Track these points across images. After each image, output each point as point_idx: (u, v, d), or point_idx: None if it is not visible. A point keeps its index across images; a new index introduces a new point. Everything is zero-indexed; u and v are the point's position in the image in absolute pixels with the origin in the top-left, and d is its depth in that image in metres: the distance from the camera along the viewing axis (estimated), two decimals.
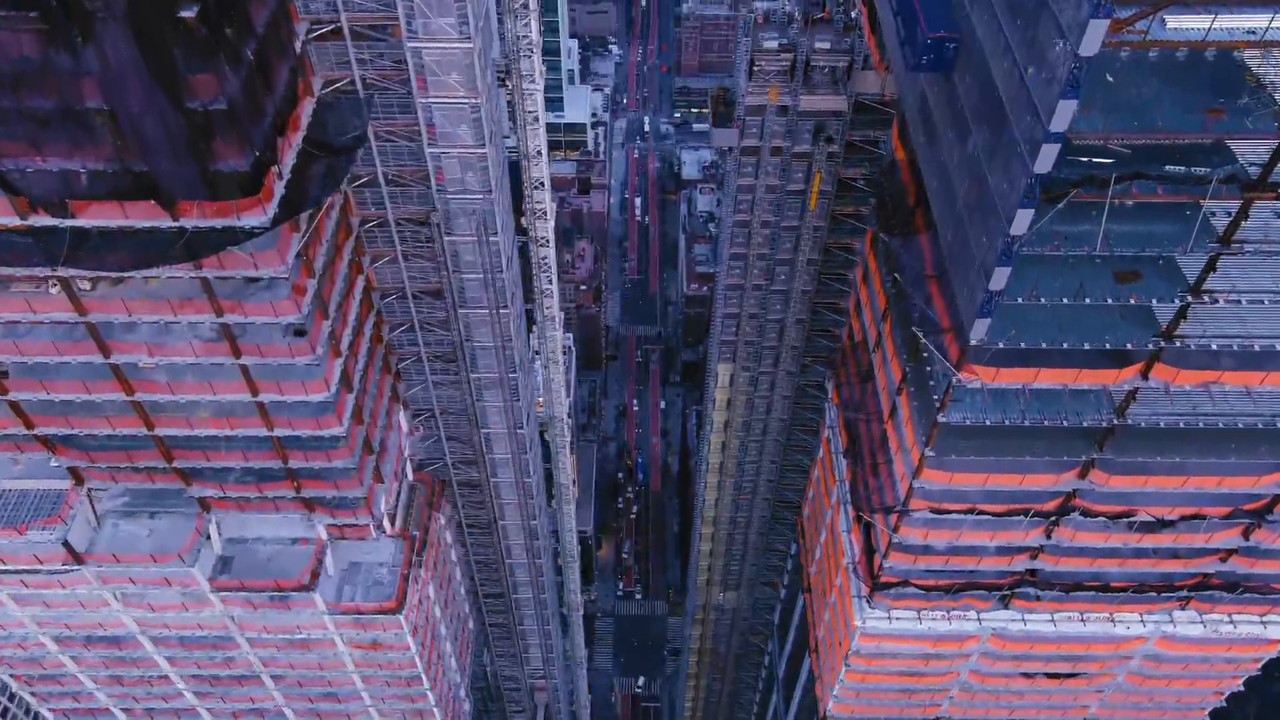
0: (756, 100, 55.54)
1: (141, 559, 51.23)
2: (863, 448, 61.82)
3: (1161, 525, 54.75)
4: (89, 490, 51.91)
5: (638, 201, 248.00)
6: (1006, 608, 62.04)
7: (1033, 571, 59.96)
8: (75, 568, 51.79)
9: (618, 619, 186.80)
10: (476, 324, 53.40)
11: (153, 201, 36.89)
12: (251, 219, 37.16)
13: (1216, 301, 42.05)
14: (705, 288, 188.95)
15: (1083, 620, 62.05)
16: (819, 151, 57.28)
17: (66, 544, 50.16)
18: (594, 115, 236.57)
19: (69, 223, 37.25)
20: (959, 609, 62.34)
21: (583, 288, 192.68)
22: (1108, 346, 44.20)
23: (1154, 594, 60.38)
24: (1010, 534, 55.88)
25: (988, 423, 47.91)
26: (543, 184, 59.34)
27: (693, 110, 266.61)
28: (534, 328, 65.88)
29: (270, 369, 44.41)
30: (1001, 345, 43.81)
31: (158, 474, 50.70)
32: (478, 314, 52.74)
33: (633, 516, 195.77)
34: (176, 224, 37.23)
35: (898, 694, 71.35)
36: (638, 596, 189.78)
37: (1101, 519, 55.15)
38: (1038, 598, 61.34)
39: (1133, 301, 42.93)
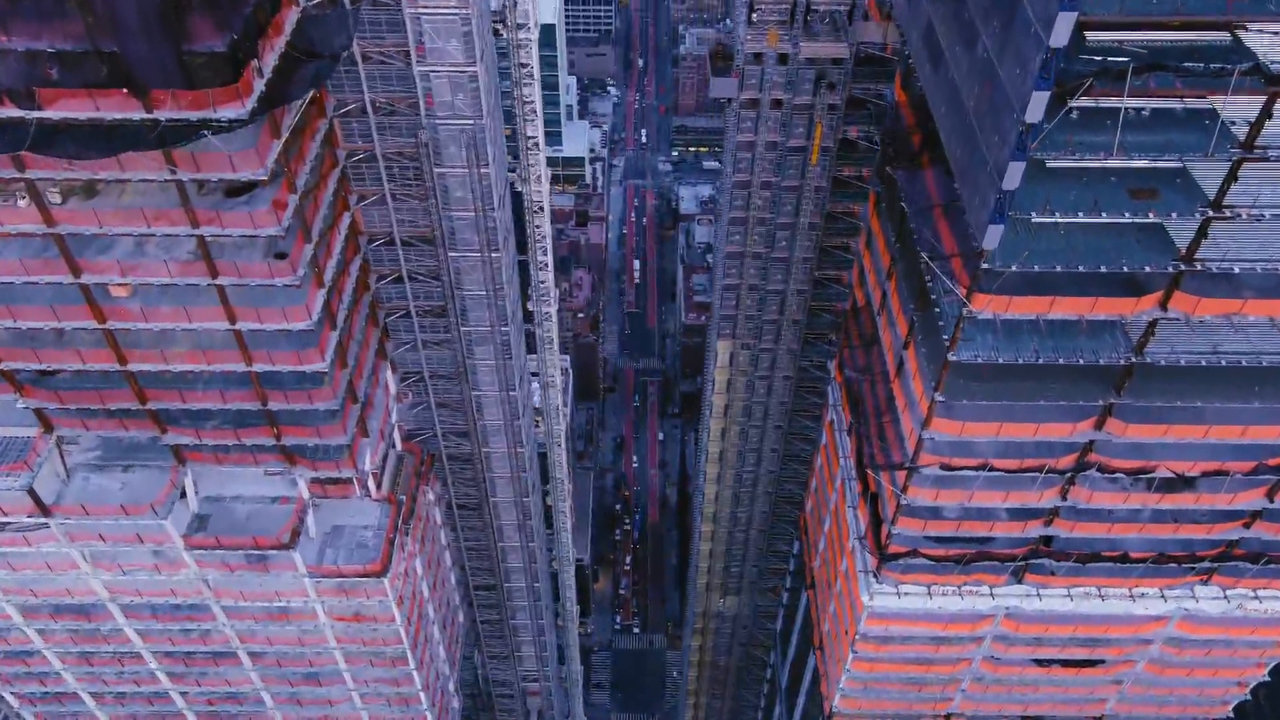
0: (755, 47, 54.30)
1: (112, 511, 48.64)
2: (868, 415, 59.60)
3: (1182, 483, 52.36)
4: (58, 439, 49.50)
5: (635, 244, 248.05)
6: (1020, 582, 59.30)
7: (1048, 541, 57.41)
8: (42, 520, 49.21)
9: (615, 653, 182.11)
10: (467, 270, 51.60)
11: (125, 91, 35.18)
12: (229, 111, 35.42)
13: (1239, 216, 40.28)
14: (703, 317, 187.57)
15: (1101, 596, 59.20)
16: (820, 102, 55.92)
17: (32, 492, 47.62)
18: (592, 151, 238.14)
19: (36, 114, 35.45)
20: (971, 584, 59.56)
21: (580, 315, 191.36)
22: (1125, 269, 42.29)
23: (1174, 565, 57.68)
24: (1024, 494, 53.41)
25: (1000, 360, 45.81)
26: (538, 145, 57.91)
27: (690, 149, 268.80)
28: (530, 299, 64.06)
29: (249, 292, 42.39)
30: (1015, 268, 42.04)
31: (131, 419, 48.28)
32: (469, 258, 50.97)
33: (628, 567, 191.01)
34: (150, 115, 35.45)
35: (907, 685, 68.09)
36: (636, 630, 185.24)
37: (1119, 477, 52.82)
38: (1053, 572, 58.65)
39: (1150, 217, 41.28)
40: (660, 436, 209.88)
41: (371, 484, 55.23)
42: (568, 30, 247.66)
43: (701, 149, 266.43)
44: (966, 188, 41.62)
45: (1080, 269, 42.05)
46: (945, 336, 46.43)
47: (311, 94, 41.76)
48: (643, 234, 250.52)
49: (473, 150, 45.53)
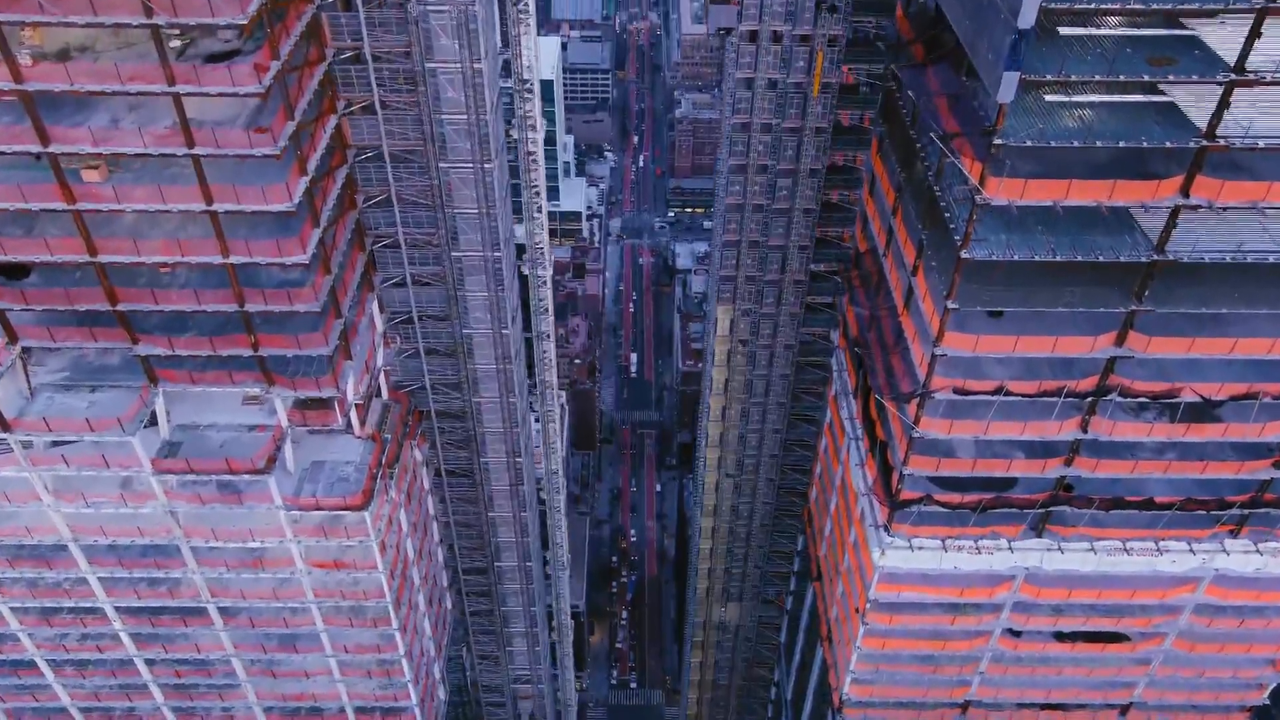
0: None
1: (76, 426, 45.66)
2: (876, 358, 57.11)
3: (1209, 407, 49.73)
4: (23, 352, 46.80)
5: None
6: (1040, 535, 56.05)
7: (1068, 487, 54.45)
8: (1, 438, 46.27)
9: (611, 710, 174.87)
10: (459, 184, 49.66)
11: None
12: None
13: (1263, 79, 38.68)
14: (700, 364, 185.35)
15: (1126, 550, 55.89)
16: (821, 32, 54.88)
17: None
18: (589, 208, 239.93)
19: None
20: (987, 538, 56.29)
21: (577, 361, 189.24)
22: (1144, 144, 40.52)
23: (1202, 514, 54.59)
24: (1042, 425, 50.69)
25: (1015, 258, 43.76)
26: (532, 90, 56.76)
27: (686, 210, 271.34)
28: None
29: (227, 168, 40.42)
30: (1029, 143, 40.32)
31: (100, 327, 45.71)
32: (460, 170, 49.07)
33: (624, 620, 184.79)
34: None
35: (921, 666, 64.04)
36: (633, 685, 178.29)
37: (1143, 404, 50.21)
38: (1074, 522, 55.49)
39: (1170, 82, 39.77)
40: (658, 488, 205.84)
41: (355, 419, 52.39)
42: (566, 98, 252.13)
43: (697, 210, 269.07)
44: (979, 51, 40.18)
45: (1098, 144, 40.36)
46: (957, 236, 44.45)
47: None
48: (640, 289, 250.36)
49: (464, 35, 43.99)
